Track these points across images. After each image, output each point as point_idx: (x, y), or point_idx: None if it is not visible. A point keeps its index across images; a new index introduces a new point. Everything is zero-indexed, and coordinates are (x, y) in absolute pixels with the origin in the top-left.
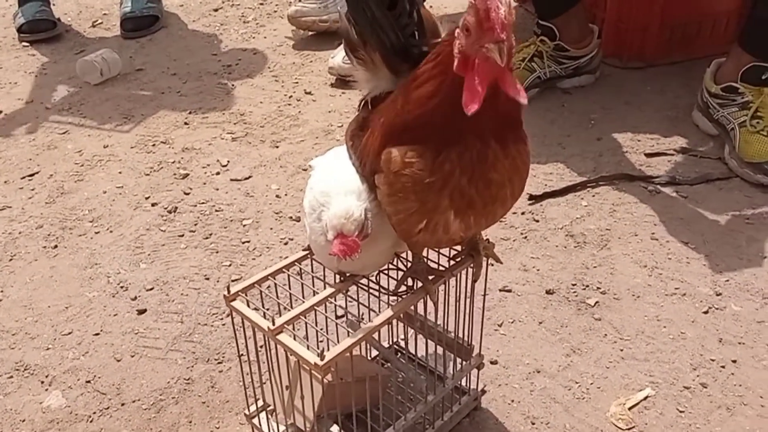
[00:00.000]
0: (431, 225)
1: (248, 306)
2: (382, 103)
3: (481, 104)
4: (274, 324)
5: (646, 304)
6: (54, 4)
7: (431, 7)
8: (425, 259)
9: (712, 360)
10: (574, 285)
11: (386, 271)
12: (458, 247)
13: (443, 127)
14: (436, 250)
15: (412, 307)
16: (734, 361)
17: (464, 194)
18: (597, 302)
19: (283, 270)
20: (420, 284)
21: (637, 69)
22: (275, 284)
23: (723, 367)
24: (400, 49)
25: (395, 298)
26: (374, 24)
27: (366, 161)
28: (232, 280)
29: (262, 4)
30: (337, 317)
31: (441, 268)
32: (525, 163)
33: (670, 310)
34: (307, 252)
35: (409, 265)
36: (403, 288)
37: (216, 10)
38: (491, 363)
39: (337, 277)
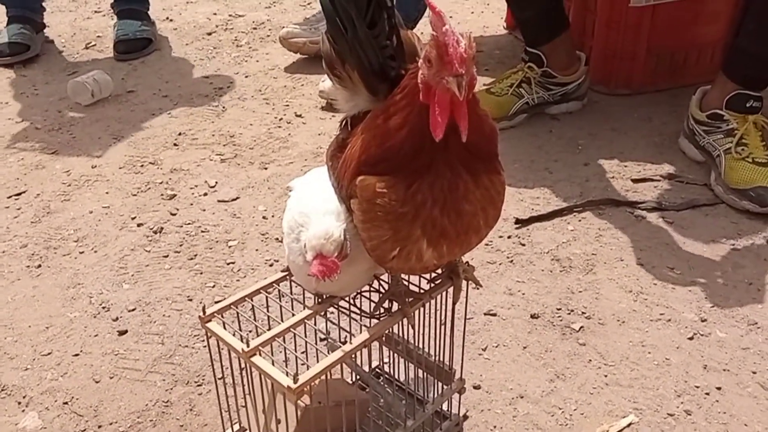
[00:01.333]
0: (404, 252)
1: (224, 327)
2: (359, 124)
3: (444, 132)
4: (248, 346)
5: (631, 329)
6: (48, 26)
7: (422, 33)
8: (405, 282)
9: (697, 387)
10: (559, 309)
11: (366, 294)
12: (439, 270)
13: (414, 157)
14: (417, 275)
15: (393, 330)
16: (719, 388)
17: (436, 224)
18: (582, 327)
19: (262, 291)
20: (399, 306)
21: (624, 96)
22: (253, 306)
23: (707, 394)
24: (378, 68)
25: (374, 320)
26: (353, 42)
27: (342, 185)
28: (215, 302)
29: (255, 28)
30: (319, 341)
31: (420, 290)
32: (499, 194)
33: (655, 336)
34: (286, 273)
35: (388, 287)
36: (381, 310)
37: (209, 34)
38: (474, 388)
39: (317, 299)
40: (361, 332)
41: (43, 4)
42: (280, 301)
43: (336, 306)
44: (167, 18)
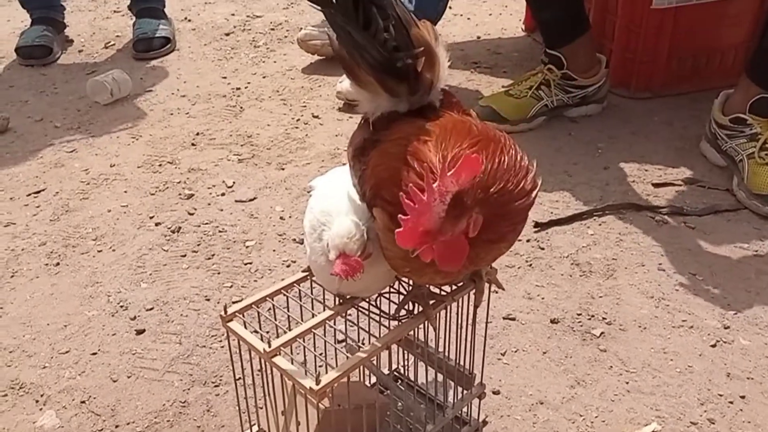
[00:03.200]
0: (416, 272)
1: (245, 327)
2: (384, 124)
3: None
4: (270, 346)
5: (653, 335)
6: (68, 26)
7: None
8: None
9: (720, 395)
10: (579, 315)
11: (387, 295)
12: None
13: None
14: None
15: (412, 333)
16: (743, 397)
17: (451, 272)
18: (602, 333)
19: (282, 291)
20: (420, 309)
21: (645, 99)
22: (273, 306)
23: (731, 402)
24: (387, 65)
25: (395, 322)
26: (356, 45)
27: (366, 190)
28: (233, 302)
29: (273, 29)
30: (337, 342)
31: (442, 292)
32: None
33: (677, 343)
34: (307, 273)
35: (410, 288)
36: (403, 312)
37: (227, 35)
38: (493, 393)
39: (337, 299)
40: (380, 333)
41: (63, 2)
42: (300, 301)
43: (357, 307)
44: (186, 18)
